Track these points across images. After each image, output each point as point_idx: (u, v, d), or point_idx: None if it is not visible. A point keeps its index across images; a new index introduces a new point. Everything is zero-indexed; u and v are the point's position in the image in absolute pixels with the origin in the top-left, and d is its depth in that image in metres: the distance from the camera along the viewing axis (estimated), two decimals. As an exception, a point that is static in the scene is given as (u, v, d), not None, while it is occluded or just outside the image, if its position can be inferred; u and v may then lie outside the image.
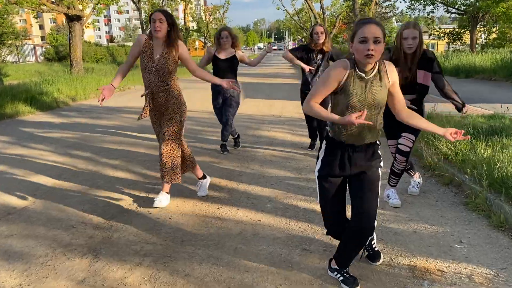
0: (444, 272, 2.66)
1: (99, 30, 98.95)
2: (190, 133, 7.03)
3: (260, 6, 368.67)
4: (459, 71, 17.65)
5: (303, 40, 50.45)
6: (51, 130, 7.55)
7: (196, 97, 11.67)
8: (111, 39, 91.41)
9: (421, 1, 21.75)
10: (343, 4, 34.57)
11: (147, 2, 23.16)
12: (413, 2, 21.99)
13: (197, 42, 48.99)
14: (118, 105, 10.77)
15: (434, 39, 27.25)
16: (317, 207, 3.76)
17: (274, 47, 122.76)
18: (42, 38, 68.74)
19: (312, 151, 5.76)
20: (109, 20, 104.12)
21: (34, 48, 38.13)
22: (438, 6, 21.86)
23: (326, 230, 2.64)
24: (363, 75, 2.24)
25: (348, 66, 2.24)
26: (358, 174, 2.41)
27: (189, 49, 36.70)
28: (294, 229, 3.35)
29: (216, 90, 5.66)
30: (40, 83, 12.01)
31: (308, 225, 3.41)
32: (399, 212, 3.65)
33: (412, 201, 3.91)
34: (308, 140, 6.05)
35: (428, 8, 22.23)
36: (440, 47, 38.49)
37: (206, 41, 43.35)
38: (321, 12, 31.75)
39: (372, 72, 2.25)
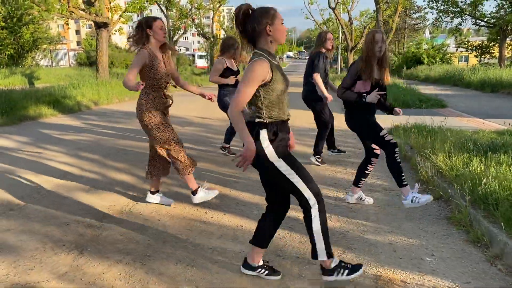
0: (407, 283, 2.72)
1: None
2: (196, 139, 7.23)
3: (292, 14, 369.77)
4: (484, 85, 17.31)
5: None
6: (67, 132, 7.90)
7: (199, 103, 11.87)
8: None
9: (449, 14, 21.48)
10: (371, 16, 34.45)
11: (175, 10, 23.78)
12: (440, 14, 21.73)
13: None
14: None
15: (464, 51, 26.76)
16: (299, 215, 3.86)
17: (302, 56, 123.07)
18: (78, 43, 71.07)
19: (312, 160, 5.81)
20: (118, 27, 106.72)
21: (68, 52, 39.51)
22: (466, 19, 21.56)
23: (315, 196, 2.57)
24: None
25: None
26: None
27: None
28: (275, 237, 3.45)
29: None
30: (65, 87, 12.52)
31: (287, 233, 3.51)
32: (381, 224, 3.71)
33: (396, 213, 3.96)
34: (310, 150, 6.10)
35: (456, 21, 21.86)
36: (474, 60, 37.79)
37: (234, 49, 43.84)
38: (348, 22, 31.73)
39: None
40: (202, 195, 3.94)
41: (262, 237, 2.81)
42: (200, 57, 50.66)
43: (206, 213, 3.96)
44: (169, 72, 3.87)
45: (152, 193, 4.12)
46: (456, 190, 4.00)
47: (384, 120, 6.48)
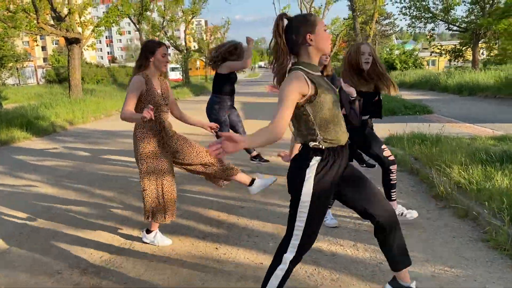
0: (471, 328, 2.36)
1: (101, 50, 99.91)
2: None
3: (261, 25, 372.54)
4: (462, 89, 17.45)
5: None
6: (45, 157, 7.30)
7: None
8: (112, 60, 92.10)
9: (422, 19, 21.72)
10: (344, 23, 34.70)
11: (147, 24, 23.22)
12: (413, 20, 21.96)
13: (198, 62, 49.14)
14: (116, 129, 10.54)
15: (435, 56, 27.17)
16: (323, 245, 3.48)
17: None
18: (45, 60, 69.15)
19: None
20: (111, 41, 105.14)
21: (35, 70, 38.21)
22: (439, 24, 21.84)
23: (297, 254, 2.26)
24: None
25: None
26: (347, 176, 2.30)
27: (190, 69, 36.81)
28: (299, 274, 3.05)
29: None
30: (38, 107, 11.83)
31: (315, 269, 3.11)
32: (413, 250, 3.35)
33: (427, 237, 3.61)
34: None
35: (429, 26, 22.14)
36: (441, 63, 38.51)
37: (207, 61, 43.49)
38: (321, 31, 31.75)
39: None
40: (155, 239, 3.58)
41: (395, 258, 2.46)
42: (173, 69, 50.01)
43: (217, 248, 3.52)
44: (166, 98, 3.47)
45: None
46: (488, 208, 3.69)
47: (382, 130, 6.23)
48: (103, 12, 16.96)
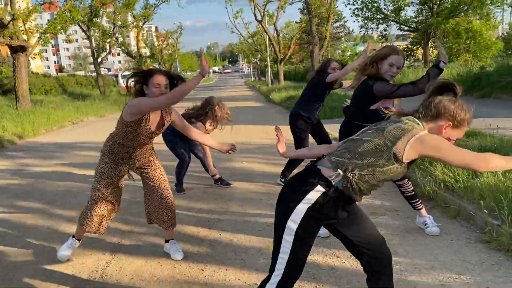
0: None
1: (47, 60, 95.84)
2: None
3: (213, 30, 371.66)
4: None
5: (258, 62, 50.71)
6: (-7, 176, 6.62)
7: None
8: (60, 69, 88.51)
9: (374, 20, 22.16)
10: (296, 27, 35.00)
11: (97, 30, 22.27)
12: (366, 21, 22.36)
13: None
14: (71, 140, 9.86)
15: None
16: (319, 258, 3.21)
17: (227, 70, 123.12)
18: (-16, 71, 65.31)
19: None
20: (58, 50, 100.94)
21: (-24, 81, 35.77)
22: (390, 24, 22.36)
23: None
24: None
25: None
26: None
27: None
28: (301, 293, 2.75)
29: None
30: (-19, 121, 10.93)
31: (316, 286, 2.83)
32: (415, 258, 3.15)
33: (424, 242, 3.43)
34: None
35: (381, 27, 22.62)
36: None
37: (161, 67, 42.58)
38: (275, 35, 31.88)
39: None
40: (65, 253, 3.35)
41: None
42: (124, 77, 48.69)
43: (202, 270, 3.16)
44: (155, 134, 3.11)
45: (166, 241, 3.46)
46: (483, 207, 3.55)
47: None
48: (48, 20, 16.04)
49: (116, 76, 49.19)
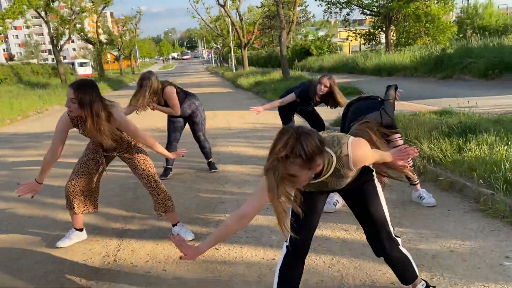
0: (517, 299, 2.33)
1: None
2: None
3: (169, 16, 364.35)
4: (381, 70, 18.31)
5: (219, 48, 50.23)
6: (-32, 168, 6.33)
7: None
8: (10, 57, 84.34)
9: (337, 5, 22.46)
10: (258, 11, 34.87)
11: (55, 16, 21.32)
12: (329, 6, 22.64)
13: (108, 55, 46.45)
14: (41, 130, 9.53)
15: (350, 40, 28.35)
16: (328, 232, 3.32)
17: (187, 56, 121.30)
18: None
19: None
20: (6, 37, 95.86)
21: None
22: (353, 9, 22.73)
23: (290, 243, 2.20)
24: None
25: None
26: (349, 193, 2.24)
27: (106, 62, 34.66)
28: (319, 266, 2.85)
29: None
30: None
31: (332, 258, 2.94)
32: (419, 228, 3.32)
33: (423, 213, 3.61)
34: None
35: (344, 11, 22.97)
36: (346, 48, 40.32)
37: (120, 54, 41.44)
38: (238, 20, 31.69)
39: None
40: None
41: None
42: (81, 64, 46.99)
43: (217, 249, 3.20)
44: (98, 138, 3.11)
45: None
46: (477, 178, 3.76)
47: (330, 113, 6.23)
48: (5, 8, 15.23)
49: (73, 64, 47.57)
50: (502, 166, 3.65)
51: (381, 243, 2.17)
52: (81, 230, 3.45)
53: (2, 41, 12.29)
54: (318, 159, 1.71)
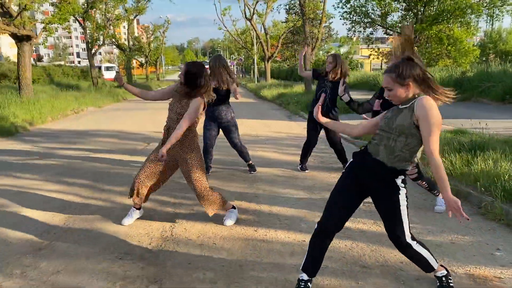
0: (501, 278, 2.92)
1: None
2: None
3: (194, 25, 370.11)
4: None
5: (242, 59, 51.31)
6: (27, 157, 7.13)
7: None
8: (38, 58, 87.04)
9: (362, 24, 23.12)
10: (282, 26, 35.85)
11: (92, 22, 22.52)
12: (353, 24, 23.30)
13: (134, 61, 47.84)
14: (82, 128, 10.36)
15: (372, 58, 28.91)
16: (348, 224, 3.93)
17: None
18: (-38, 58, 63.85)
19: (309, 171, 5.93)
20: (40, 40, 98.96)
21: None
22: (377, 28, 23.34)
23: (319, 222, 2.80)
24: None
25: None
26: (374, 192, 2.68)
27: (133, 68, 36.03)
28: (341, 248, 3.47)
29: (211, 116, 5.67)
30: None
31: (353, 243, 3.56)
32: (427, 224, 3.92)
33: (432, 214, 4.20)
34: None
35: (368, 30, 23.61)
36: (367, 66, 40.83)
37: (147, 60, 42.73)
38: (263, 33, 32.62)
39: (406, 104, 2.49)
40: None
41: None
42: (107, 68, 48.53)
43: (255, 231, 3.85)
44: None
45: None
46: (480, 188, 4.35)
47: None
48: (54, 8, 16.15)
49: (100, 67, 49.09)
50: (502, 178, 4.24)
51: (396, 241, 2.68)
52: (139, 209, 4.13)
53: (42, 44, 13.06)
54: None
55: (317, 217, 4.05)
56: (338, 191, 2.75)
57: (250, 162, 5.99)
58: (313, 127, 5.84)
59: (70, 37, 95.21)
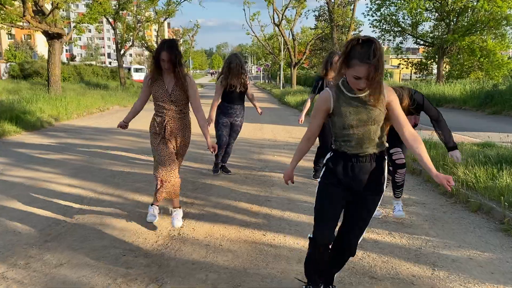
0: (520, 298, 2.73)
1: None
2: (194, 157, 6.94)
3: (223, 30, 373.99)
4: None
5: (269, 65, 51.34)
6: (48, 151, 7.24)
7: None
8: (71, 58, 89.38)
9: (391, 33, 22.81)
10: (311, 33, 35.64)
11: (122, 23, 22.95)
12: (383, 33, 23.01)
13: (162, 64, 48.29)
14: (105, 126, 10.50)
15: (401, 67, 28.47)
16: (364, 235, 3.78)
17: None
18: (-1, 54, 66.16)
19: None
20: (70, 38, 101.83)
21: (-4, 64, 36.50)
22: (407, 38, 23.00)
23: (312, 236, 2.54)
24: (353, 95, 2.27)
25: (330, 94, 2.31)
26: (359, 198, 2.44)
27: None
28: (351, 258, 3.33)
29: (227, 113, 5.62)
30: (22, 102, 11.56)
31: (364, 253, 3.41)
32: (445, 238, 3.73)
33: (451, 228, 4.01)
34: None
35: (398, 40, 23.29)
36: (396, 75, 40.13)
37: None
38: (291, 39, 32.55)
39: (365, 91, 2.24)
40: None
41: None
42: (136, 70, 49.33)
43: (264, 235, 3.75)
44: (173, 98, 3.76)
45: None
46: (503, 202, 4.13)
47: None
48: (86, 8, 16.55)
49: (129, 69, 49.96)
50: (528, 193, 4.01)
51: (352, 250, 2.62)
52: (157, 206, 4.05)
53: (66, 42, 13.38)
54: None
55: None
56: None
57: (225, 164, 6.00)
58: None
59: (103, 38, 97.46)
